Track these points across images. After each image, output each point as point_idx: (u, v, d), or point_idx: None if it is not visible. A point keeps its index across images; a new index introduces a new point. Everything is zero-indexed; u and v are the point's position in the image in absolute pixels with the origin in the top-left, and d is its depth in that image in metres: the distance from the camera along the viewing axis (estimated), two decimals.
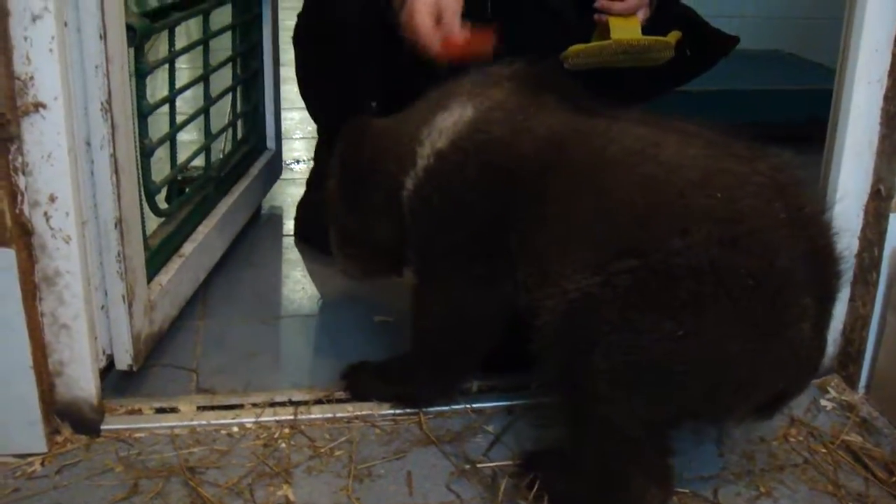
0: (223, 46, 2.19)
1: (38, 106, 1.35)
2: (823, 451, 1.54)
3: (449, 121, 1.50)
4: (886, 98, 1.56)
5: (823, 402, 1.66)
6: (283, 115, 2.54)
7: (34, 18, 1.31)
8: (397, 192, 1.54)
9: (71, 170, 1.38)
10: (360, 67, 1.98)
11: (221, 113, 2.19)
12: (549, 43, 1.99)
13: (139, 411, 1.58)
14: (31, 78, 1.34)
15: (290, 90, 2.73)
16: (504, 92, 1.51)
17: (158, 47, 1.81)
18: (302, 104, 2.23)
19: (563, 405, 1.40)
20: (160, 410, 1.58)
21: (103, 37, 1.40)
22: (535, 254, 1.40)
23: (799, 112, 2.95)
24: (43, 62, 1.33)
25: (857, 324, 1.66)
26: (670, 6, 2.03)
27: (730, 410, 1.34)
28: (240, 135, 2.29)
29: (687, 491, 1.43)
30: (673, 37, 1.96)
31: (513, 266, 1.44)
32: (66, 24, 1.36)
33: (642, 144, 1.36)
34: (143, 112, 1.68)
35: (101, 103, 1.42)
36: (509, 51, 2.07)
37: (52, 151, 1.37)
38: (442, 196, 1.49)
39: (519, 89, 1.51)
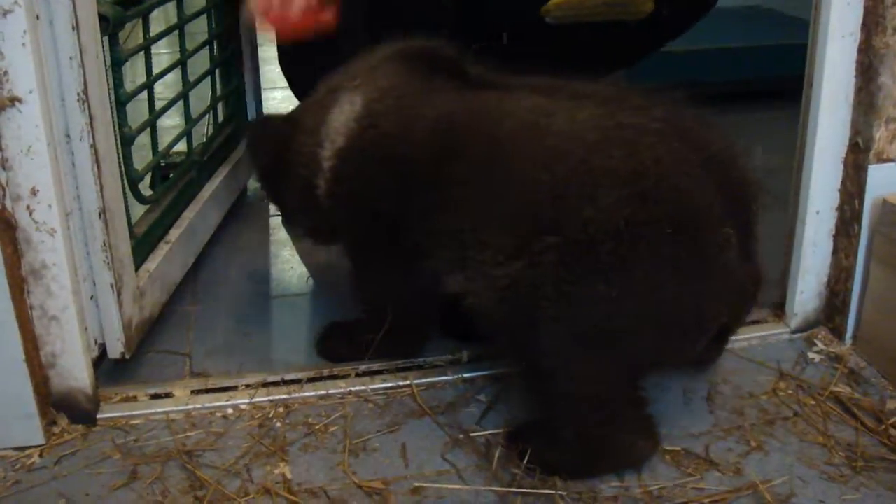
0: (201, 30, 2.18)
1: (14, 100, 1.35)
2: (812, 402, 1.56)
3: (341, 118, 1.51)
4: (860, 50, 1.56)
5: (811, 355, 1.68)
6: (265, 95, 2.54)
7: (5, 13, 1.31)
8: (313, 192, 1.58)
9: (51, 162, 1.39)
10: (341, 44, 1.98)
11: (202, 97, 2.19)
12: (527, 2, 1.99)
13: (134, 398, 1.59)
14: (5, 73, 1.34)
15: (272, 70, 2.73)
16: (390, 76, 1.52)
17: (136, 33, 1.79)
18: (284, 84, 2.23)
19: (525, 380, 1.43)
20: (155, 396, 1.60)
21: (76, 28, 1.40)
22: (448, 240, 1.41)
23: (779, 68, 2.96)
24: (16, 56, 1.33)
25: (841, 276, 1.68)
26: None
27: (685, 352, 1.38)
28: (221, 117, 2.29)
29: (679, 449, 1.45)
30: None
31: (430, 252, 1.45)
32: (37, 17, 1.36)
33: (535, 116, 1.36)
34: (121, 100, 1.68)
35: (78, 94, 1.42)
36: (493, 10, 2.07)
37: (31, 145, 1.37)
38: (350, 193, 1.53)
39: (405, 71, 1.52)
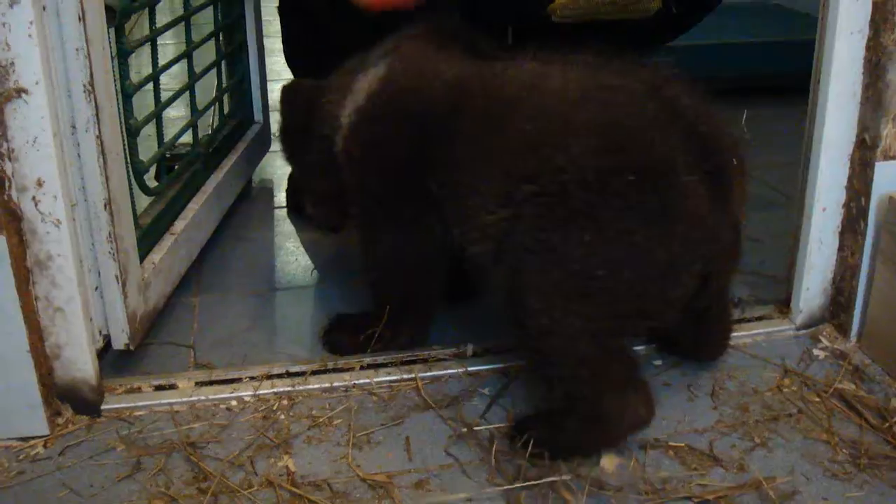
0: (206, 20, 2.18)
1: (20, 91, 1.35)
2: (817, 399, 1.56)
3: (365, 81, 1.62)
4: (868, 47, 1.56)
5: (816, 352, 1.68)
6: (270, 86, 2.53)
7: (11, 3, 1.31)
8: (330, 150, 1.67)
9: (57, 153, 1.39)
10: (343, 34, 1.98)
11: (207, 88, 2.19)
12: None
13: (138, 389, 1.59)
14: (12, 64, 1.34)
15: (277, 62, 2.73)
16: (413, 47, 1.64)
17: (142, 24, 1.80)
18: (288, 75, 2.23)
19: (520, 341, 1.48)
20: (159, 388, 1.60)
21: (82, 19, 1.40)
22: (453, 192, 1.50)
23: (786, 63, 2.95)
24: (23, 47, 1.33)
25: (846, 273, 1.67)
26: None
27: (666, 303, 1.41)
28: (226, 109, 2.28)
29: (683, 444, 1.45)
30: None
31: (437, 206, 1.53)
32: (44, 8, 1.35)
33: (531, 78, 1.49)
34: (127, 92, 1.68)
35: (84, 85, 1.42)
36: (496, 9, 2.07)
37: (36, 136, 1.37)
38: (365, 147, 1.61)
39: (427, 44, 1.63)
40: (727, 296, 1.63)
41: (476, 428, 1.50)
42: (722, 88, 3.15)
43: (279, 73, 3.10)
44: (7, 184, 1.39)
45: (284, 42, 2.24)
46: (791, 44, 3.02)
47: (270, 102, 2.56)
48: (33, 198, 1.40)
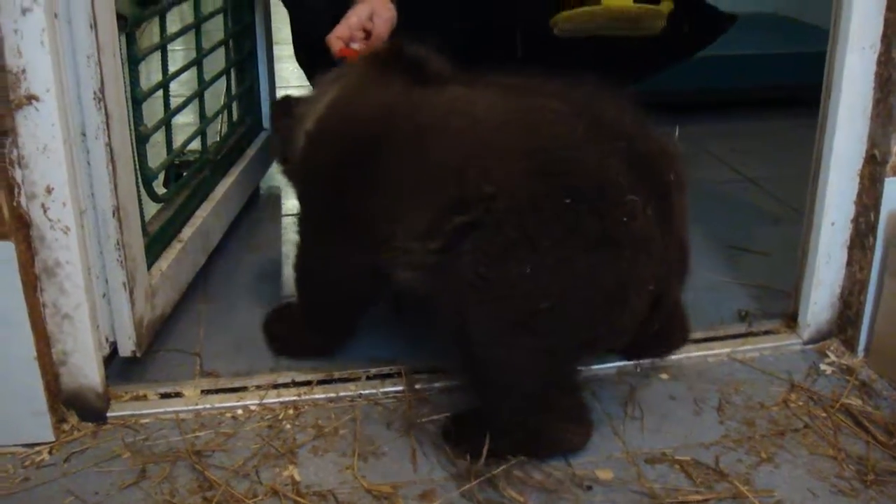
0: (216, 27, 2.19)
1: (31, 98, 1.35)
2: (823, 415, 1.55)
3: (317, 106, 1.63)
4: (879, 63, 1.56)
5: (823, 367, 1.67)
6: (279, 93, 2.54)
7: (24, 11, 1.31)
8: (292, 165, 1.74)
9: (66, 161, 1.39)
10: None
11: (216, 94, 2.19)
12: (538, 14, 1.99)
13: (144, 397, 1.59)
14: (23, 71, 1.34)
15: (285, 68, 2.74)
16: (357, 74, 1.65)
17: (152, 31, 1.80)
18: (297, 82, 2.23)
19: (462, 368, 1.47)
20: (165, 395, 1.60)
21: (94, 26, 1.40)
22: (378, 219, 1.48)
23: (794, 76, 2.95)
24: (34, 55, 1.33)
25: (854, 288, 1.67)
26: None
27: (616, 328, 1.38)
28: (235, 116, 2.29)
29: (688, 459, 1.45)
30: (665, 6, 1.95)
31: (362, 231, 1.52)
32: (56, 16, 1.36)
33: (457, 104, 1.46)
34: (137, 99, 1.69)
35: (95, 93, 1.43)
36: (500, 22, 2.08)
37: (46, 143, 1.37)
38: (305, 167, 1.65)
39: (369, 70, 1.64)
40: (679, 296, 1.61)
41: None
42: (730, 100, 3.18)
43: (287, 79, 3.12)
44: (16, 190, 1.39)
45: (292, 35, 2.25)
46: (799, 56, 3.02)
47: None
48: (42, 205, 1.41)
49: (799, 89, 3.03)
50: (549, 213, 1.28)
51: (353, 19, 1.82)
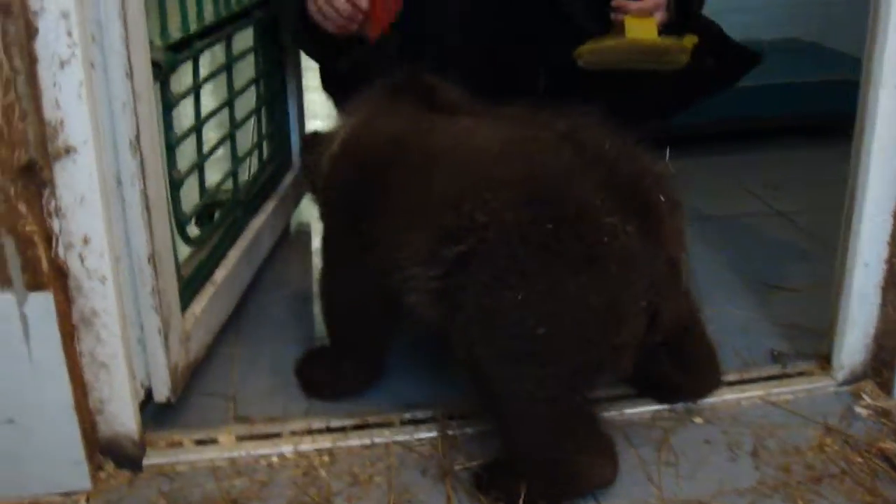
0: (246, 65, 2.20)
1: (69, 150, 1.37)
2: (860, 460, 1.54)
3: (340, 133, 1.72)
4: None
5: (858, 409, 1.66)
6: (308, 128, 2.54)
7: (62, 64, 1.33)
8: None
9: (104, 211, 1.40)
10: (372, 62, 2.00)
11: (246, 131, 2.20)
12: (561, 48, 1.99)
13: (180, 444, 1.60)
14: (61, 123, 1.36)
15: (312, 100, 2.74)
16: (374, 102, 1.73)
17: (182, 74, 1.81)
18: (324, 113, 2.25)
19: (480, 404, 1.51)
20: (200, 442, 1.61)
21: (130, 75, 1.41)
22: (383, 243, 1.54)
23: (822, 105, 2.94)
24: (72, 107, 1.35)
25: (889, 329, 1.66)
26: (692, 14, 2.02)
27: (614, 347, 1.41)
28: (266, 154, 2.30)
29: None
30: (689, 41, 1.95)
31: (372, 253, 1.56)
32: (92, 66, 1.37)
33: (460, 135, 1.54)
34: (171, 144, 1.70)
35: (130, 141, 1.44)
36: (521, 56, 2.08)
37: (84, 194, 1.39)
38: (326, 192, 1.74)
39: (385, 98, 1.72)
40: (704, 334, 1.67)
41: None
42: (756, 128, 3.15)
43: (315, 112, 3.13)
44: (54, 241, 1.40)
45: (322, 75, 2.27)
46: (826, 84, 3.01)
47: None
48: (80, 255, 1.42)
49: (827, 117, 3.02)
50: (534, 240, 1.35)
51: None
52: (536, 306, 1.35)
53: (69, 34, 1.31)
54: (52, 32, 1.31)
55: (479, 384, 1.43)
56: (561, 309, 1.35)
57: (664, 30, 1.96)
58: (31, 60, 1.31)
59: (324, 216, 1.77)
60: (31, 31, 1.30)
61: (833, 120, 2.92)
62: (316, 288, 2.17)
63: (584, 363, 1.41)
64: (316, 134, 1.92)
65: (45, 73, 1.33)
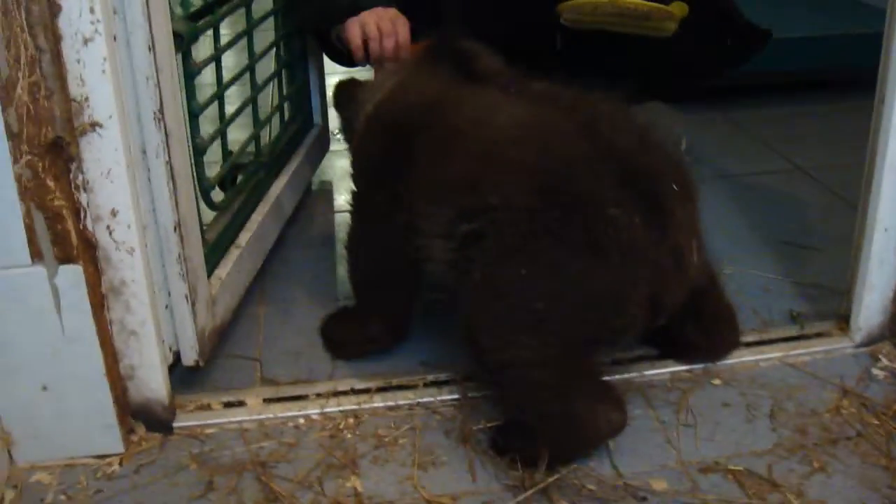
0: (266, 27, 2.20)
1: (95, 125, 1.39)
2: (876, 422, 1.56)
3: (378, 93, 1.77)
4: None
5: (875, 371, 1.68)
6: (326, 80, 2.55)
7: (86, 41, 1.34)
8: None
9: (130, 184, 1.43)
10: None
11: (267, 94, 2.21)
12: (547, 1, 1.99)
13: (208, 406, 1.64)
14: (87, 99, 1.38)
15: None
16: (413, 66, 1.80)
17: (203, 40, 1.82)
18: (343, 69, 2.27)
19: (480, 370, 1.58)
20: (228, 405, 1.65)
21: (152, 48, 1.43)
22: (409, 209, 1.60)
23: (847, 58, 2.91)
24: (96, 83, 1.37)
25: None
26: None
27: (614, 328, 1.48)
28: (287, 115, 2.31)
29: (741, 468, 1.47)
30: (677, 8, 1.91)
31: (401, 216, 1.62)
32: (115, 39, 1.38)
33: (485, 110, 1.58)
34: (194, 112, 1.72)
35: (154, 113, 1.45)
36: (538, 16, 2.06)
37: (111, 168, 1.41)
38: (360, 149, 1.79)
39: (423, 62, 1.79)
40: (722, 295, 1.71)
41: None
42: (784, 83, 3.12)
43: (333, 66, 3.12)
44: (83, 214, 1.43)
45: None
46: (851, 38, 2.98)
47: (328, 100, 2.58)
48: (108, 227, 1.45)
49: (850, 71, 2.99)
50: (542, 225, 1.41)
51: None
52: (538, 283, 1.42)
53: (92, 11, 1.33)
54: (76, 10, 1.32)
55: (478, 351, 1.49)
56: (560, 289, 1.42)
57: None
58: (56, 39, 1.33)
59: (354, 174, 1.80)
60: (54, 10, 1.32)
61: (854, 73, 2.90)
62: (340, 248, 2.21)
63: (581, 338, 1.47)
64: (351, 83, 1.97)
65: (69, 50, 1.35)
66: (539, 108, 1.55)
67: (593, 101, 1.55)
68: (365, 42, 1.95)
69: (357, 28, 1.93)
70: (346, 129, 1.97)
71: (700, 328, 1.68)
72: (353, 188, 1.78)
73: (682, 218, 1.47)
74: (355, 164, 1.80)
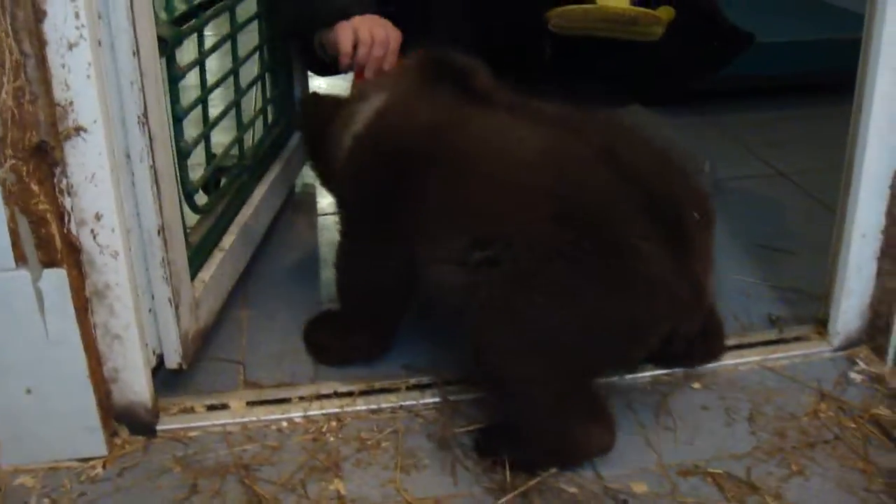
0: (249, 29, 2.20)
1: (79, 130, 1.39)
2: (853, 426, 1.58)
3: (366, 110, 1.69)
4: None
5: (853, 375, 1.70)
6: (309, 84, 2.55)
7: (71, 46, 1.34)
8: (334, 164, 1.75)
9: (114, 189, 1.43)
10: None
11: (250, 97, 2.21)
12: (545, 4, 1.99)
13: (192, 409, 1.64)
14: (71, 103, 1.38)
15: None
16: (407, 82, 1.70)
17: (187, 43, 1.82)
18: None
19: (482, 381, 1.57)
20: (211, 407, 1.65)
21: (136, 53, 1.43)
22: (417, 235, 1.55)
23: (826, 63, 2.93)
24: (81, 87, 1.37)
25: (885, 298, 1.70)
26: None
27: (627, 358, 1.53)
28: (270, 118, 2.32)
29: (721, 471, 1.48)
30: (664, 12, 1.93)
31: (403, 239, 1.58)
32: (99, 43, 1.39)
33: (496, 135, 1.53)
34: (178, 116, 1.73)
35: (138, 117, 1.46)
36: (527, 25, 2.07)
37: (95, 172, 1.41)
38: (353, 171, 1.68)
39: (419, 78, 1.69)
40: (715, 313, 1.72)
41: None
42: (766, 87, 3.13)
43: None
44: (67, 218, 1.43)
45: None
46: (831, 42, 3.00)
47: None
48: (92, 231, 1.45)
49: (830, 75, 3.01)
50: (565, 255, 1.37)
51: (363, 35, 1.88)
52: (554, 312, 1.39)
53: (77, 16, 1.33)
54: (61, 15, 1.32)
55: (485, 365, 1.47)
56: (578, 319, 1.39)
57: (641, 2, 1.94)
58: (41, 44, 1.33)
59: (344, 197, 1.76)
60: (39, 15, 1.32)
61: (836, 78, 2.92)
62: (323, 251, 2.22)
63: (591, 366, 1.49)
64: (317, 98, 1.93)
65: (53, 55, 1.35)
66: (552, 130, 1.51)
67: (609, 123, 1.53)
68: (353, 48, 1.92)
69: (349, 32, 1.88)
70: (317, 148, 1.87)
71: (689, 342, 1.65)
72: (345, 210, 1.75)
73: (701, 247, 1.46)
74: (346, 188, 1.74)
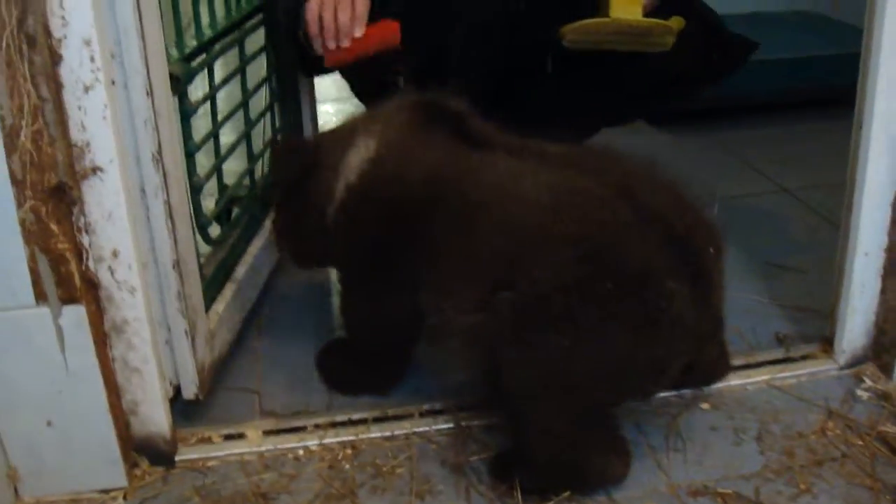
0: (257, 61, 2.24)
1: (96, 170, 1.42)
2: (860, 443, 1.60)
3: (357, 158, 1.66)
4: None
5: (859, 392, 1.72)
6: (318, 108, 2.58)
7: (86, 89, 1.38)
8: (322, 217, 1.72)
9: (131, 226, 1.46)
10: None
11: (260, 127, 2.25)
12: (551, 18, 2.02)
13: (209, 439, 1.67)
14: (88, 144, 1.41)
15: (321, 81, 2.77)
16: (398, 127, 1.67)
17: (198, 78, 1.86)
18: (335, 95, 2.29)
19: (499, 411, 1.59)
20: (229, 437, 1.68)
21: (150, 93, 1.46)
22: (426, 284, 1.56)
23: (831, 79, 2.95)
24: (97, 128, 1.40)
25: (889, 315, 1.72)
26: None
27: (645, 391, 1.57)
28: None
29: (730, 491, 1.50)
30: (675, 22, 1.95)
31: (410, 289, 1.59)
32: (113, 83, 1.42)
33: (504, 179, 1.51)
34: (191, 152, 1.76)
35: (153, 154, 1.49)
36: (529, 38, 2.10)
37: (111, 211, 1.45)
38: (351, 224, 1.67)
39: (411, 122, 1.67)
40: (723, 341, 1.73)
41: None
42: (763, 103, 3.16)
43: (324, 94, 3.17)
44: (85, 255, 1.47)
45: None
46: (835, 58, 3.03)
47: (319, 127, 2.62)
48: (109, 267, 1.48)
49: (835, 91, 3.04)
50: (592, 297, 1.37)
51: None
52: (580, 353, 1.39)
53: (92, 59, 1.36)
54: (76, 59, 1.36)
55: (503, 399, 1.49)
56: (603, 361, 1.41)
57: (652, 13, 1.98)
58: (57, 87, 1.37)
59: (342, 249, 1.73)
60: (55, 60, 1.36)
61: (840, 94, 2.95)
62: (333, 277, 2.24)
63: (613, 399, 1.52)
64: (290, 145, 1.92)
65: (70, 98, 1.38)
66: (563, 172, 1.50)
67: (619, 160, 1.54)
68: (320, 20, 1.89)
69: (314, 4, 1.90)
70: (292, 202, 1.81)
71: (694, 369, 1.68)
72: (344, 262, 1.76)
73: (718, 281, 1.49)
74: (345, 237, 1.70)
